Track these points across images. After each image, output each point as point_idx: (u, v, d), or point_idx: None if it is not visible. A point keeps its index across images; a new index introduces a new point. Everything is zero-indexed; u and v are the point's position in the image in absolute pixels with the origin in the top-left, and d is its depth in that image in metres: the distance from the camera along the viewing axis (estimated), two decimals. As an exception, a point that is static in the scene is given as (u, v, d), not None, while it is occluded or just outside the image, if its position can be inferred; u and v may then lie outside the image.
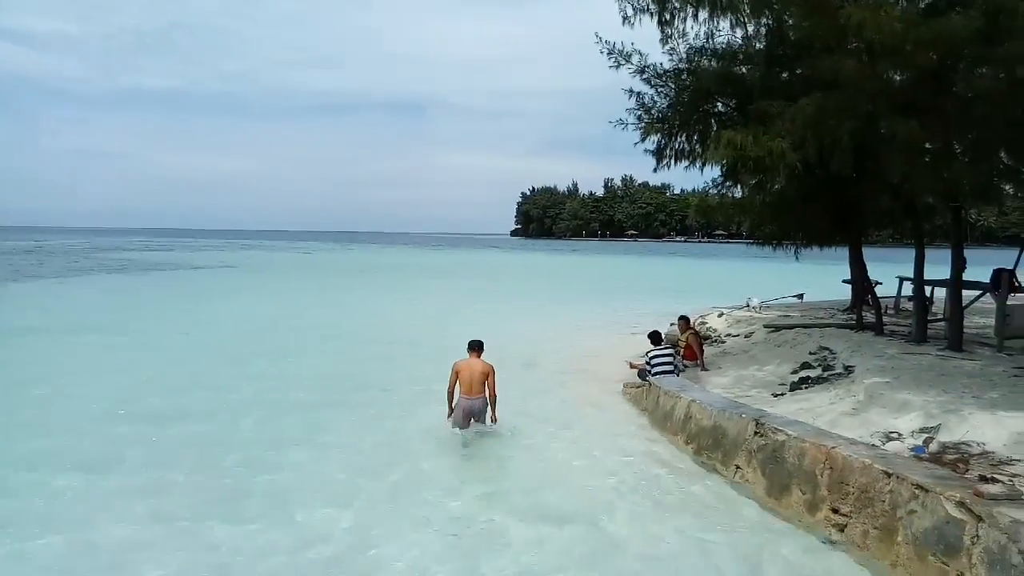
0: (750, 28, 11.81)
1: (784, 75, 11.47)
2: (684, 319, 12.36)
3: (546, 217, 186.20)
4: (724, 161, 10.04)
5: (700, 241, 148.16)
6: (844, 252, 13.74)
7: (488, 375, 8.74)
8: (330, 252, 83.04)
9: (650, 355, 10.37)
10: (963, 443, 5.92)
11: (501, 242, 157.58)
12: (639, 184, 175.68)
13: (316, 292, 30.65)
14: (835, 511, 5.79)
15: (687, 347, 11.66)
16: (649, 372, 10.20)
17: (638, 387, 10.53)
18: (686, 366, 11.08)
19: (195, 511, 6.34)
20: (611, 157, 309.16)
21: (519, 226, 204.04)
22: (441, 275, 45.49)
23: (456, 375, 8.73)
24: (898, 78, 8.63)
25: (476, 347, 8.96)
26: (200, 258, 60.78)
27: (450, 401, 8.74)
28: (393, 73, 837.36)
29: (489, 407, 8.73)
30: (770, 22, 11.37)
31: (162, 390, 11.03)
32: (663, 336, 11.18)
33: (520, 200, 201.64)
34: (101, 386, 11.26)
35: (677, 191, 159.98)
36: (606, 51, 12.27)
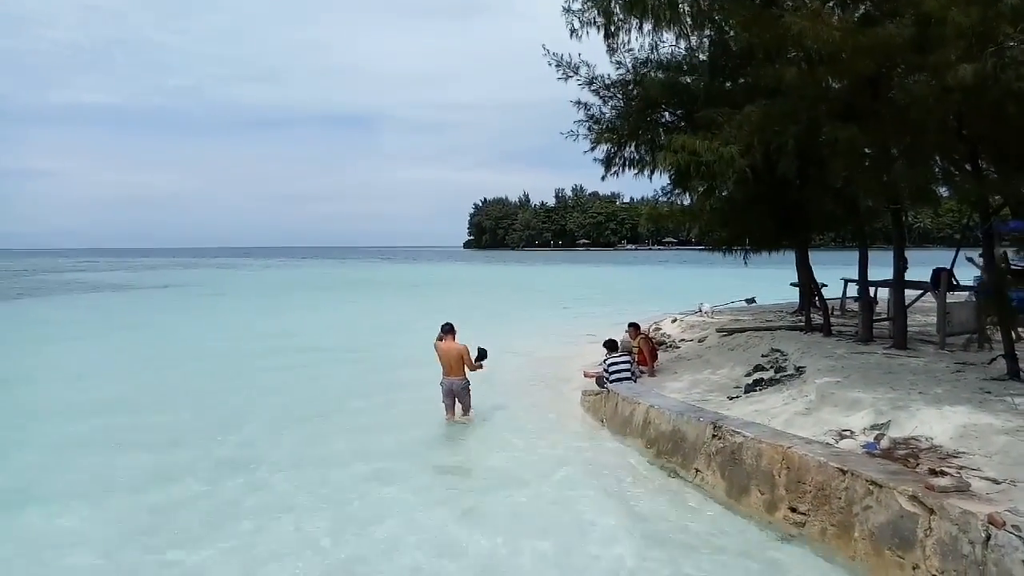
0: (693, 40, 12.05)
1: (728, 84, 11.75)
2: (634, 326, 12.46)
3: (499, 228, 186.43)
4: (673, 168, 10.17)
5: (651, 249, 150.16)
6: (791, 256, 14.07)
7: (463, 355, 9.75)
8: (278, 269, 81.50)
9: (608, 363, 10.42)
10: (912, 438, 6.07)
11: (455, 254, 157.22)
12: (589, 194, 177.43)
13: (272, 311, 29.99)
14: (793, 510, 5.88)
15: (639, 353, 11.75)
16: (607, 379, 10.24)
17: (596, 394, 10.56)
18: (642, 371, 11.17)
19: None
20: (561, 168, 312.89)
21: (472, 237, 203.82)
22: (397, 288, 45.11)
23: (439, 355, 9.86)
24: (837, 85, 8.89)
25: (448, 330, 9.94)
26: (149, 278, 58.93)
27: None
28: (338, 87, 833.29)
29: (465, 387, 9.86)
30: (712, 33, 11.63)
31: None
32: (619, 344, 11.25)
33: (472, 211, 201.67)
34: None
35: (627, 200, 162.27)
36: (554, 63, 12.40)
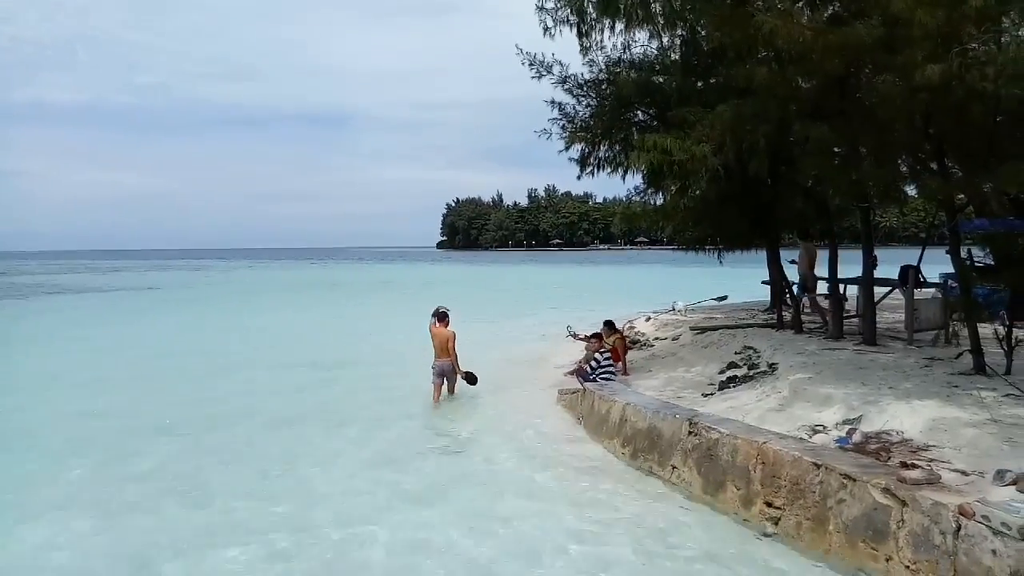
0: (665, 39, 12.17)
1: (700, 83, 11.85)
2: (608, 324, 12.53)
3: (472, 228, 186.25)
4: (647, 167, 10.24)
5: (623, 248, 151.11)
6: (762, 254, 14.23)
7: (449, 340, 10.80)
8: (251, 270, 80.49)
9: (604, 358, 10.41)
10: (883, 432, 6.17)
11: (428, 254, 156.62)
12: (562, 194, 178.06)
13: (239, 312, 29.60)
14: (769, 504, 5.94)
15: (612, 351, 11.81)
16: (592, 374, 10.26)
17: (572, 393, 10.58)
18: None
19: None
20: (534, 168, 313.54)
21: (444, 238, 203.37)
22: (373, 289, 44.82)
23: (432, 339, 10.87)
24: (807, 85, 9.01)
25: (441, 316, 10.96)
26: (119, 280, 57.70)
27: None
28: (312, 86, 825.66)
29: (454, 366, 10.90)
30: (684, 33, 11.74)
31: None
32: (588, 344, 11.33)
33: (445, 211, 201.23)
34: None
35: (599, 200, 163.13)
36: (527, 62, 12.41)
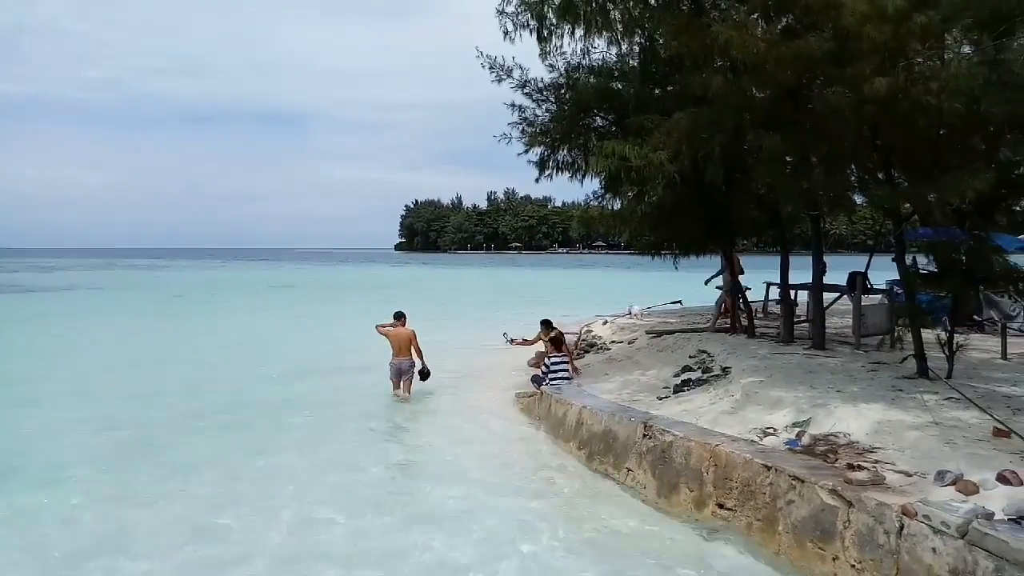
0: (624, 46, 12.30)
1: (657, 91, 12.00)
2: (545, 323, 12.70)
3: (431, 231, 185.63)
4: (605, 172, 10.34)
5: (582, 252, 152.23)
6: (717, 260, 14.47)
7: (411, 339, 11.28)
8: (203, 271, 78.73)
9: (550, 362, 10.48)
10: (831, 435, 6.33)
11: (386, 256, 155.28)
12: (521, 197, 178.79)
13: (200, 318, 28.91)
14: (721, 506, 6.04)
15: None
16: (545, 379, 10.31)
17: (530, 396, 10.61)
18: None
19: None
20: (494, 171, 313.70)
21: (403, 240, 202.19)
22: (331, 291, 44.24)
23: (388, 339, 11.26)
24: (761, 95, 9.20)
25: (400, 317, 11.51)
26: (67, 279, 55.80)
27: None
28: (269, 83, 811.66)
29: (418, 361, 11.31)
30: (643, 40, 11.89)
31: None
32: (563, 343, 11.38)
33: (404, 213, 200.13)
34: None
35: (558, 204, 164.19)
36: (487, 66, 12.43)
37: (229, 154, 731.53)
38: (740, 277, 13.45)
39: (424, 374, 11.54)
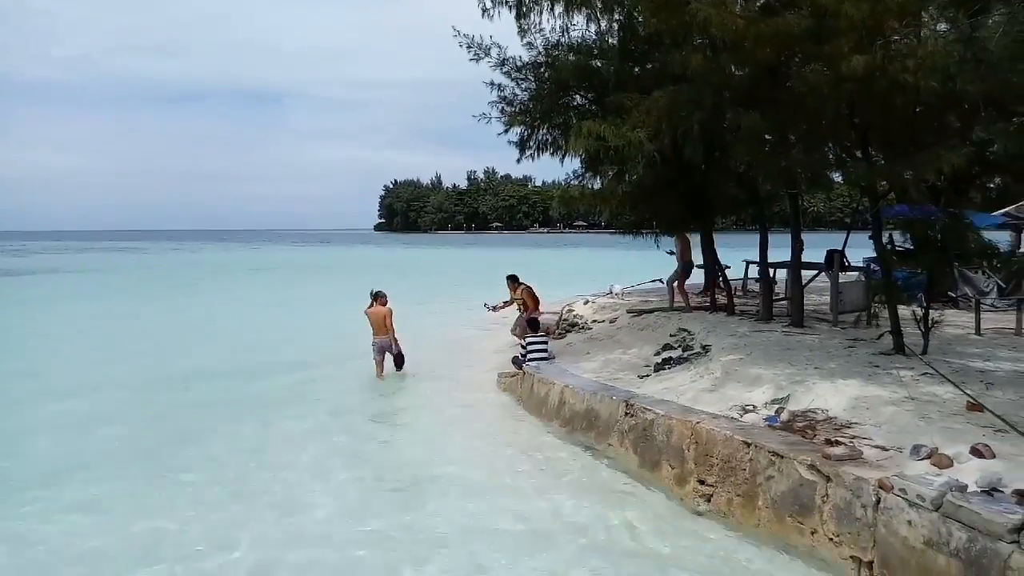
0: (603, 23, 12.21)
1: (637, 69, 11.95)
2: (511, 278, 13.04)
3: (410, 211, 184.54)
4: (584, 152, 10.31)
5: (562, 232, 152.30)
6: (696, 239, 14.53)
7: (387, 316, 11.50)
8: (177, 252, 77.76)
9: (527, 341, 10.52)
10: (810, 411, 6.41)
11: (366, 237, 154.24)
12: (501, 177, 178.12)
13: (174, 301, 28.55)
14: (702, 482, 6.12)
15: (524, 304, 12.51)
16: (523, 359, 10.34)
17: (512, 375, 10.64)
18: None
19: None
20: (473, 150, 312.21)
21: (383, 220, 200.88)
22: (314, 273, 43.92)
23: (369, 319, 11.55)
24: (740, 73, 9.19)
25: (377, 296, 11.69)
26: (45, 262, 54.82)
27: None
28: (244, 62, 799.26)
29: (393, 344, 11.56)
30: (622, 18, 11.80)
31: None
32: (540, 323, 11.44)
33: (383, 193, 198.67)
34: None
35: (539, 183, 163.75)
36: (465, 45, 12.29)
37: (205, 134, 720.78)
38: (691, 260, 13.67)
39: (398, 360, 11.68)
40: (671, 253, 13.85)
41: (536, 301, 12.70)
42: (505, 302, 13.26)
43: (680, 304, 13.05)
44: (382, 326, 11.50)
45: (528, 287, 12.85)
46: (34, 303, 26.10)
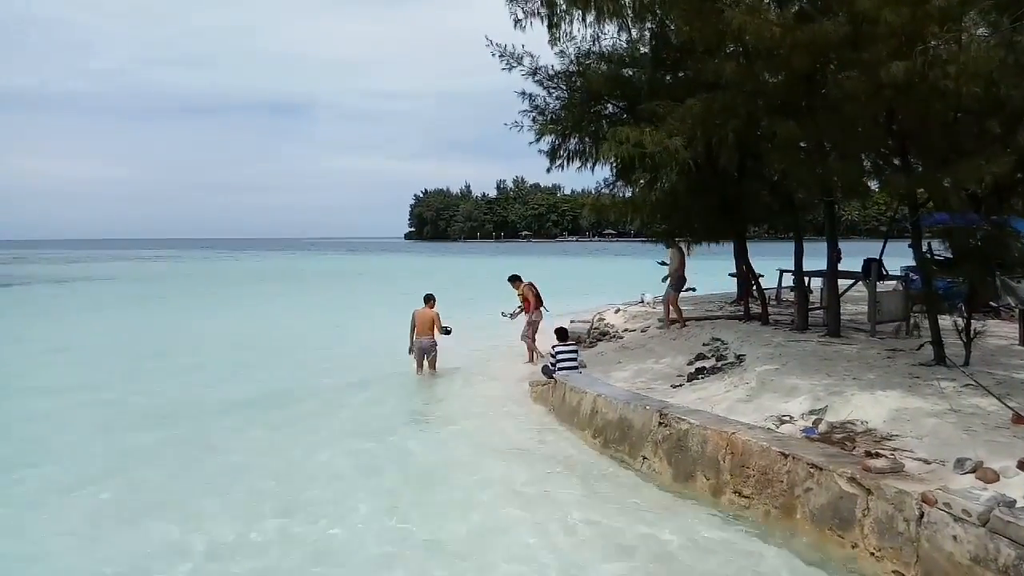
0: (635, 32, 12.23)
1: (669, 77, 11.94)
2: (513, 278, 13.56)
3: (440, 219, 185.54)
4: (617, 160, 10.31)
5: (591, 240, 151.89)
6: (730, 247, 14.41)
7: (434, 318, 12.23)
8: (216, 261, 79.07)
9: (555, 351, 10.50)
10: (848, 422, 6.31)
11: (397, 246, 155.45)
12: (531, 185, 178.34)
13: (224, 309, 29.05)
14: (738, 493, 6.04)
15: (525, 301, 13.08)
16: (554, 368, 10.32)
17: (544, 384, 10.62)
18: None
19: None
20: (501, 159, 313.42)
21: (412, 229, 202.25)
22: (353, 280, 44.47)
23: (413, 319, 12.24)
24: (774, 80, 9.12)
25: (428, 299, 12.47)
26: (67, 271, 56.23)
27: (411, 338, 12.28)
28: (270, 73, 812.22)
29: (438, 337, 12.28)
30: (654, 26, 11.81)
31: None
32: (568, 332, 11.43)
33: (413, 202, 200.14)
34: None
35: (568, 192, 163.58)
36: (497, 54, 12.40)
37: (233, 144, 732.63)
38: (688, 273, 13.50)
39: (432, 361, 12.49)
40: (663, 264, 13.58)
41: (538, 298, 13.07)
42: (519, 307, 13.42)
43: (674, 318, 12.89)
44: (428, 327, 12.12)
45: (531, 284, 13.22)
46: (61, 311, 26.76)
